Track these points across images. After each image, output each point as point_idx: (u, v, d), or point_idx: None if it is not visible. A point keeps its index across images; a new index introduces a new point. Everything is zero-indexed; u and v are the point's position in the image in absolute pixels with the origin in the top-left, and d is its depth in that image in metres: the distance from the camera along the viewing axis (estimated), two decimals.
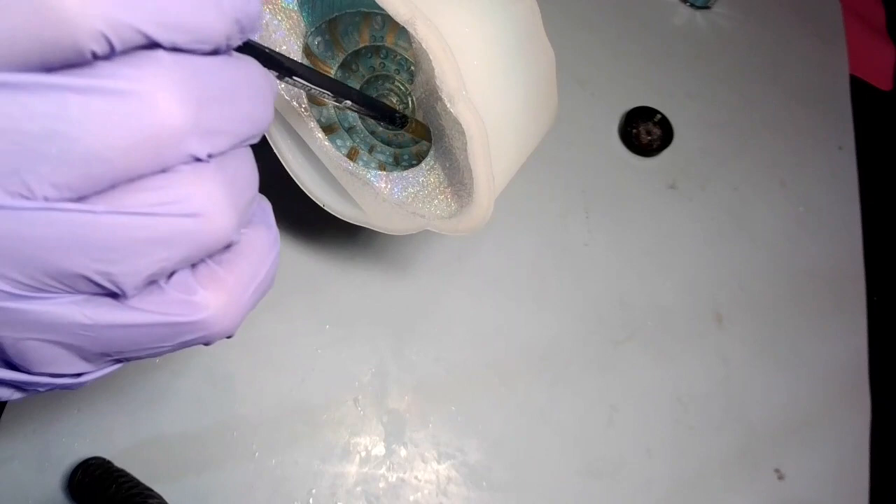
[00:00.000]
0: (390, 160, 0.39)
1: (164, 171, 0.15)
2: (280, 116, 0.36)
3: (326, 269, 0.46)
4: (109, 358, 0.18)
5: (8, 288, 0.14)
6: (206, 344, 0.18)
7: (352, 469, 0.40)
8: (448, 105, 0.27)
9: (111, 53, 0.14)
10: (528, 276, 0.48)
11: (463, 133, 0.28)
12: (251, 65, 0.17)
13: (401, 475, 0.41)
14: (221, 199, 0.16)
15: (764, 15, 0.63)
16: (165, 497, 0.35)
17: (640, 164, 0.53)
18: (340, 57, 0.36)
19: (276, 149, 0.37)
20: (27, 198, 0.14)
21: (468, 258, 0.47)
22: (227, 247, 0.18)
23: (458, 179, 0.32)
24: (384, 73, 0.36)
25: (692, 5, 0.62)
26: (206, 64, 0.15)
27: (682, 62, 0.59)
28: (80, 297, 0.16)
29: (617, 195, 0.52)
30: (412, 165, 0.36)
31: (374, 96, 0.36)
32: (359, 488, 0.40)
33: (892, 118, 0.62)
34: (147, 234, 0.15)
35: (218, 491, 0.39)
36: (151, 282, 0.16)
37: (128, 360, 0.18)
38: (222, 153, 0.16)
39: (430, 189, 0.34)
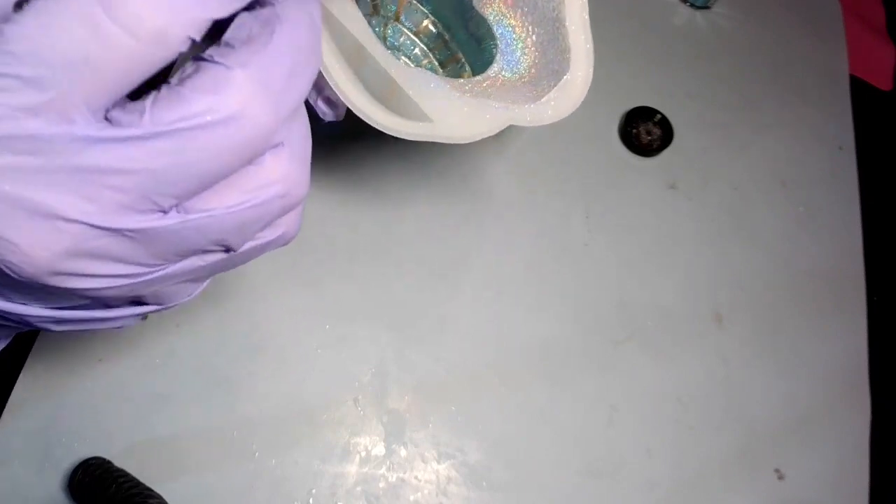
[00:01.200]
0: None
1: (253, 163, 0.18)
2: (327, 33, 0.32)
3: (327, 268, 0.46)
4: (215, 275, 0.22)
5: (160, 263, 0.18)
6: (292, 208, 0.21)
7: (352, 469, 0.40)
8: None
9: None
10: (528, 276, 0.48)
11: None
12: (293, 13, 0.18)
13: (401, 475, 0.41)
14: (300, 174, 0.20)
15: (764, 15, 0.63)
16: (165, 497, 0.35)
17: (640, 164, 0.53)
18: None
19: (330, 76, 0.32)
20: (161, 211, 0.17)
21: (468, 257, 0.47)
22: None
23: (546, 58, 0.28)
24: None
25: (692, 5, 0.62)
26: (265, 50, 0.17)
27: (682, 62, 0.59)
28: (204, 255, 0.20)
29: (617, 195, 0.52)
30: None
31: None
32: (359, 488, 0.40)
33: (893, 118, 0.62)
34: (251, 218, 0.19)
35: (218, 491, 0.39)
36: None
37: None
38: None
39: (513, 72, 0.30)
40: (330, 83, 0.32)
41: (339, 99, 0.32)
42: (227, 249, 0.20)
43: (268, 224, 0.20)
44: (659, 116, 0.54)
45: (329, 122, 0.33)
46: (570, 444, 0.43)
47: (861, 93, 0.61)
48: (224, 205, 0.18)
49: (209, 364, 0.42)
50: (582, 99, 0.27)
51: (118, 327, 0.23)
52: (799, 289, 0.51)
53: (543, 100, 0.28)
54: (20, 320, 0.21)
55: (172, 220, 0.17)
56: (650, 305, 0.48)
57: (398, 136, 0.32)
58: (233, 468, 0.39)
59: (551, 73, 0.28)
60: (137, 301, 0.22)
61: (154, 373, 0.41)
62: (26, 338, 0.41)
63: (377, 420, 0.42)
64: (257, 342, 0.43)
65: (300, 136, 0.20)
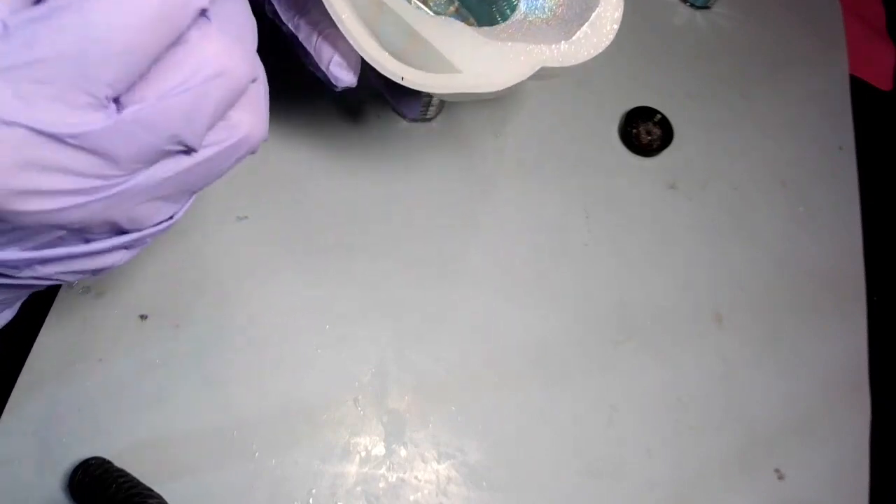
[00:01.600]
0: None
1: (179, 43, 0.18)
2: None
3: (327, 269, 0.46)
4: (190, 193, 0.23)
5: (117, 173, 0.19)
6: (253, 152, 0.23)
7: (352, 469, 0.40)
8: None
9: None
10: (528, 276, 0.48)
11: None
12: None
13: (401, 475, 0.41)
14: (234, 52, 0.19)
15: (764, 15, 0.63)
16: (165, 497, 0.35)
17: (640, 164, 0.53)
18: None
19: (348, 33, 0.31)
20: (96, 105, 0.17)
21: (468, 257, 0.47)
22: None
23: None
24: None
25: (692, 5, 0.62)
26: None
27: (682, 62, 0.59)
28: (164, 161, 0.20)
29: (617, 195, 0.52)
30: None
31: None
32: (359, 488, 0.40)
33: (893, 118, 0.62)
34: (192, 103, 0.18)
35: (218, 491, 0.39)
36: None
37: (201, 188, 0.23)
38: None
39: (540, 13, 0.28)
40: (345, 35, 0.30)
41: (352, 61, 0.31)
42: (187, 150, 0.20)
43: (219, 116, 0.20)
44: (659, 116, 0.54)
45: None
46: (570, 444, 0.43)
47: (861, 93, 0.61)
48: (158, 92, 0.18)
49: (209, 364, 0.42)
50: (614, 34, 0.26)
51: (109, 265, 0.23)
52: (799, 289, 0.51)
53: (574, 38, 0.27)
54: (4, 271, 0.21)
55: (111, 118, 0.17)
56: (650, 305, 0.48)
57: (424, 90, 0.30)
58: (233, 468, 0.39)
59: (580, 11, 0.27)
60: (116, 230, 0.21)
61: (154, 373, 0.41)
62: (26, 338, 0.41)
63: (377, 420, 0.42)
64: (257, 342, 0.43)
65: (233, 11, 0.20)
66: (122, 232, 0.22)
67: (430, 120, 0.52)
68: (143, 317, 0.43)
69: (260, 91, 0.22)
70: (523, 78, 0.28)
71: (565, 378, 0.45)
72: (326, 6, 0.31)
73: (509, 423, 0.43)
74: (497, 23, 0.32)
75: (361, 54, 0.31)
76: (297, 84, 0.52)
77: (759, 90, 0.59)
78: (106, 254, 0.22)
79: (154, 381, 0.41)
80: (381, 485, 0.40)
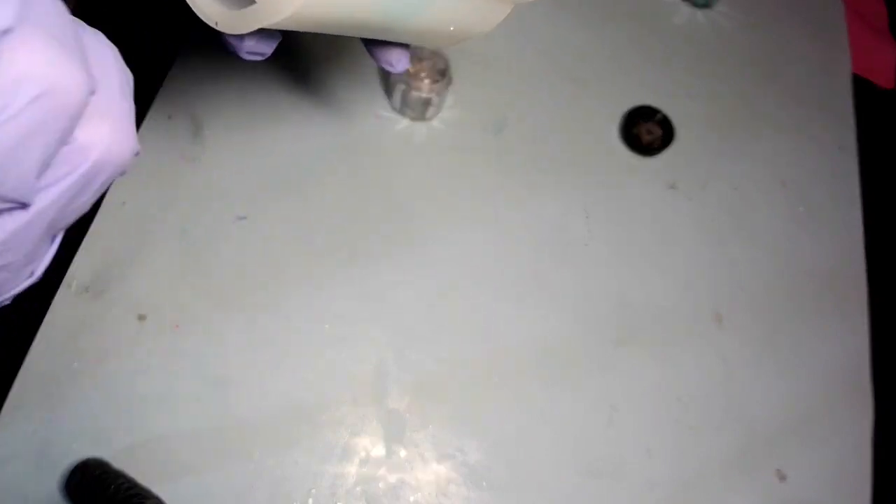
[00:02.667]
0: None
1: None
2: None
3: (327, 269, 0.46)
4: (48, 240, 0.18)
5: None
6: (122, 173, 0.18)
7: (352, 469, 0.40)
8: None
9: None
10: (528, 276, 0.47)
11: None
12: None
13: (401, 475, 0.41)
14: (57, 60, 0.14)
15: (765, 14, 0.63)
16: (164, 498, 0.35)
17: (641, 164, 0.53)
18: None
19: None
20: None
21: (468, 258, 0.47)
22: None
23: None
24: None
25: (693, 4, 0.62)
26: None
27: (683, 61, 0.59)
28: None
29: (617, 195, 0.52)
30: None
31: None
32: (359, 488, 0.40)
33: (894, 116, 0.62)
34: (10, 144, 0.14)
35: (217, 491, 0.39)
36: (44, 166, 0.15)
37: (67, 224, 0.18)
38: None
39: None
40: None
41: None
42: (21, 204, 0.15)
43: (53, 148, 0.15)
44: (660, 116, 0.53)
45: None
46: (570, 444, 0.43)
47: (863, 91, 0.61)
48: None
49: (208, 364, 0.42)
50: None
51: None
52: (799, 289, 0.51)
53: None
54: None
55: None
56: (650, 305, 0.48)
57: (233, 31, 0.26)
58: (233, 468, 0.39)
59: None
60: None
61: (153, 373, 0.41)
62: (24, 338, 0.41)
63: (377, 420, 0.42)
64: (257, 342, 0.43)
65: (46, 12, 0.15)
66: None
67: (430, 120, 0.52)
68: (141, 317, 0.42)
69: (112, 97, 0.17)
70: (501, 19, 0.28)
71: (565, 378, 0.45)
72: None
73: (509, 423, 0.43)
74: None
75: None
76: (296, 84, 0.52)
77: (761, 89, 0.59)
78: None
79: (153, 382, 0.41)
80: (381, 485, 0.40)
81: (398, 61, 0.32)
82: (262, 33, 0.27)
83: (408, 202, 0.49)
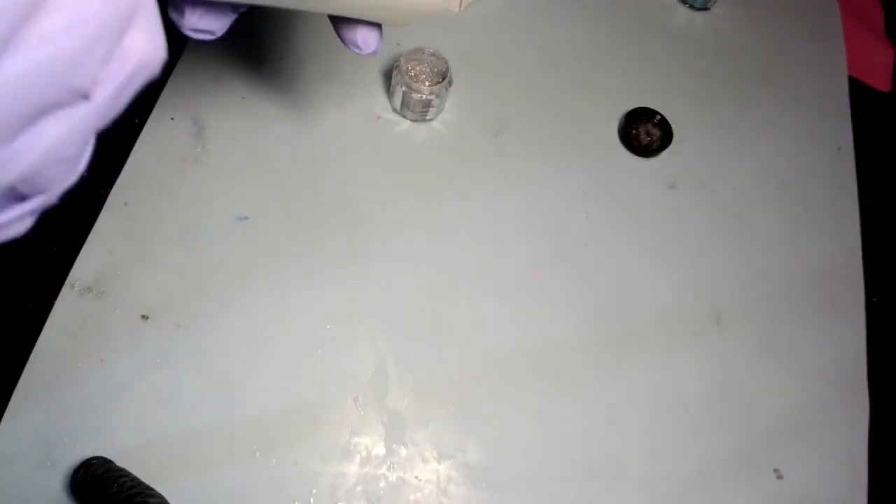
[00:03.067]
0: None
1: None
2: None
3: (326, 269, 0.46)
4: (90, 140, 0.20)
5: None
6: (154, 77, 0.20)
7: (352, 469, 0.40)
8: None
9: None
10: (528, 276, 0.48)
11: None
12: None
13: (401, 475, 0.41)
14: None
15: (763, 16, 0.63)
16: (167, 496, 0.35)
17: (640, 164, 0.54)
18: None
19: None
20: None
21: (469, 258, 0.48)
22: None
23: None
24: None
25: (691, 6, 0.62)
26: None
27: (681, 63, 0.59)
28: (58, 113, 0.17)
29: (617, 195, 0.52)
30: None
31: None
32: (359, 488, 0.40)
33: (891, 119, 0.62)
34: (80, 44, 0.16)
35: (218, 490, 0.39)
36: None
37: (107, 124, 0.20)
38: None
39: None
40: None
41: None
42: (84, 97, 0.17)
43: (111, 49, 0.17)
44: (659, 117, 0.54)
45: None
46: (570, 444, 0.43)
47: (860, 94, 0.61)
48: (38, 39, 0.15)
49: (209, 364, 0.42)
50: None
51: (13, 236, 0.21)
52: (798, 289, 0.51)
53: None
54: None
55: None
56: (650, 305, 0.48)
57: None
58: (233, 468, 0.39)
59: None
60: (16, 195, 0.19)
61: (154, 373, 0.41)
62: (27, 338, 0.41)
63: (377, 420, 0.42)
64: (257, 342, 0.43)
65: None
66: (25, 197, 0.19)
67: (430, 121, 0.52)
68: (144, 317, 0.43)
69: (149, 6, 0.19)
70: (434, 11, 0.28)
71: (565, 378, 0.45)
72: None
73: (509, 423, 0.43)
74: None
75: None
76: (298, 85, 0.53)
77: (759, 91, 0.59)
78: (8, 222, 0.20)
79: (155, 381, 0.41)
80: (382, 484, 0.40)
81: (364, 42, 0.31)
82: (206, 8, 0.27)
83: (408, 203, 0.49)
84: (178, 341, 0.42)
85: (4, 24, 0.14)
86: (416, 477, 0.41)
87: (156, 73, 0.20)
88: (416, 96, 0.49)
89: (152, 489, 0.35)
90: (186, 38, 0.27)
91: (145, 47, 0.19)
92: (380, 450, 0.41)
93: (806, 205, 0.54)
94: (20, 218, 0.20)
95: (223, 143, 0.49)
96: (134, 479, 0.36)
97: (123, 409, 0.40)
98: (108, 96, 0.18)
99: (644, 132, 0.53)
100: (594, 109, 0.55)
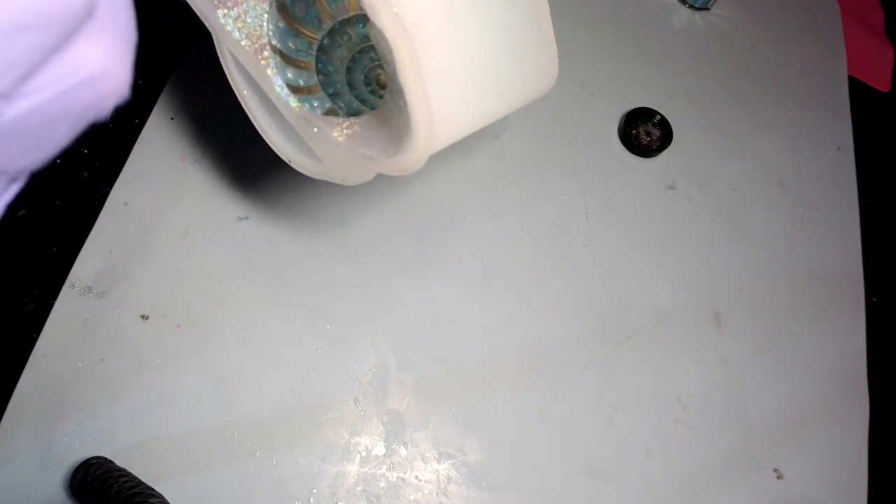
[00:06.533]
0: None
1: None
2: (246, 73, 0.35)
3: (326, 269, 0.46)
4: (9, 178, 0.16)
5: None
6: (116, 105, 0.16)
7: (352, 469, 0.40)
8: (373, 19, 0.25)
9: None
10: (528, 276, 0.48)
11: (392, 53, 0.25)
12: None
13: (401, 475, 0.41)
14: None
15: (763, 16, 0.63)
16: (167, 496, 0.35)
17: (640, 164, 0.54)
18: (328, 24, 0.35)
19: (246, 107, 0.36)
20: None
21: (469, 258, 0.48)
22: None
23: (403, 116, 0.29)
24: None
25: (691, 7, 0.62)
26: None
27: (681, 63, 0.59)
28: None
29: (617, 195, 0.52)
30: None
31: (367, 66, 0.36)
32: (359, 488, 0.40)
33: (891, 119, 0.62)
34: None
35: (219, 490, 0.39)
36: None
37: (35, 163, 0.16)
38: None
39: (380, 130, 0.32)
40: (246, 110, 0.35)
41: None
42: None
43: (39, 56, 0.13)
44: (658, 117, 0.54)
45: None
46: (569, 444, 0.43)
47: (860, 94, 0.61)
48: None
49: (209, 364, 0.42)
50: (423, 154, 0.30)
51: None
52: (798, 289, 0.51)
53: (397, 157, 0.31)
54: None
55: None
56: (650, 305, 0.48)
57: (303, 171, 0.34)
58: (233, 468, 0.39)
59: (406, 130, 0.30)
60: None
61: (154, 373, 0.41)
62: (27, 338, 0.41)
63: (377, 420, 0.42)
64: (257, 342, 0.43)
65: None
66: None
67: None
68: (144, 317, 0.43)
69: (118, 19, 0.15)
70: (367, 179, 0.32)
71: (565, 378, 0.45)
72: (230, 80, 0.35)
73: (509, 423, 0.43)
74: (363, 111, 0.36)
75: (259, 130, 0.35)
76: None
77: (758, 91, 0.59)
78: None
79: (155, 381, 0.41)
80: (382, 484, 0.40)
81: None
82: None
83: (408, 203, 0.49)
84: (178, 341, 0.42)
85: None
86: (416, 477, 0.41)
87: (119, 97, 0.15)
88: None
89: (152, 489, 0.35)
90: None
91: (99, 61, 0.14)
92: (380, 450, 0.41)
93: (806, 204, 0.54)
94: None
95: (223, 143, 0.49)
96: (134, 479, 0.36)
97: (123, 409, 0.40)
98: (22, 114, 0.14)
99: (644, 132, 0.54)
100: (594, 109, 0.55)
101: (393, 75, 0.29)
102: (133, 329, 0.42)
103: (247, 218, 0.47)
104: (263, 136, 0.36)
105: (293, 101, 0.35)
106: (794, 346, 0.49)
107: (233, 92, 0.51)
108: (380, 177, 0.50)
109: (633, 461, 0.43)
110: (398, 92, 0.29)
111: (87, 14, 0.14)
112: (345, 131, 0.33)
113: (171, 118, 0.49)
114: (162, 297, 0.43)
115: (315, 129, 0.33)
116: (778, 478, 0.44)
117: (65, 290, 0.43)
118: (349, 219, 0.48)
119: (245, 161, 0.49)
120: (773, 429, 0.46)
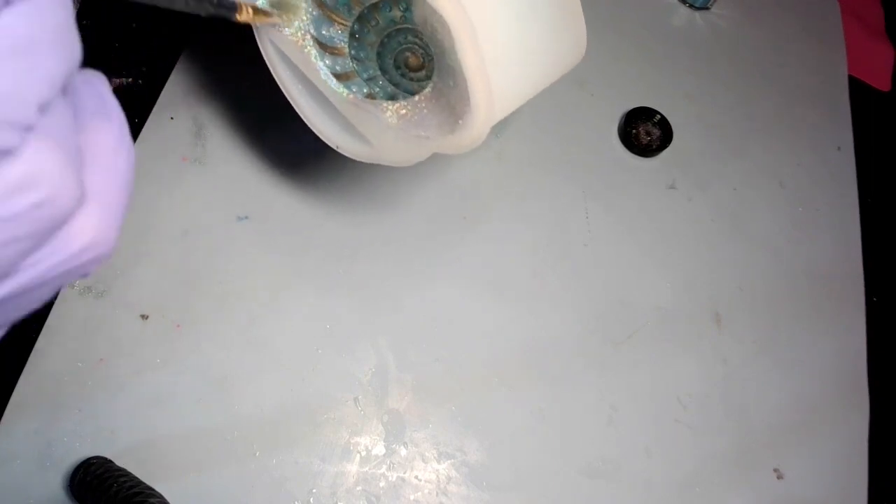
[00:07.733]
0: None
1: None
2: (292, 65, 0.35)
3: (327, 268, 0.46)
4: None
5: None
6: (95, 264, 0.16)
7: (352, 468, 0.40)
8: (429, 1, 0.25)
9: None
10: (528, 276, 0.48)
11: (450, 32, 0.26)
12: None
13: (401, 475, 0.41)
14: (59, 166, 0.14)
15: (763, 16, 0.63)
16: (166, 496, 0.35)
17: (640, 164, 0.54)
18: (357, 9, 0.35)
19: (291, 98, 0.36)
20: None
21: (468, 258, 0.48)
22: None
23: (458, 94, 0.30)
24: (406, 25, 0.35)
25: (691, 6, 0.62)
26: None
27: (681, 63, 0.59)
28: None
29: (617, 195, 0.52)
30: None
31: (395, 50, 0.35)
32: (359, 488, 0.40)
33: (891, 118, 0.62)
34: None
35: (219, 490, 0.39)
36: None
37: (17, 317, 0.17)
38: None
39: (433, 110, 0.32)
40: (292, 103, 0.35)
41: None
42: None
43: (38, 239, 0.14)
44: (658, 117, 0.54)
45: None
46: (570, 444, 0.43)
47: (860, 93, 0.61)
48: None
49: (209, 364, 0.42)
50: (485, 129, 0.30)
51: None
52: (798, 289, 0.51)
53: (455, 132, 0.31)
54: None
55: None
56: (650, 305, 0.48)
57: (351, 156, 0.35)
58: (233, 468, 0.39)
59: (463, 108, 0.30)
60: None
61: (154, 373, 0.41)
62: (27, 338, 0.41)
63: (377, 420, 0.42)
64: (257, 342, 0.43)
65: (63, 125, 0.15)
66: None
67: None
68: (144, 317, 0.43)
69: (105, 179, 0.16)
70: (421, 159, 0.33)
71: (565, 378, 0.45)
72: (276, 79, 0.35)
73: (509, 423, 0.43)
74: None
75: (306, 121, 0.36)
76: None
77: (758, 91, 0.59)
78: None
79: (155, 381, 0.41)
80: (382, 484, 0.40)
81: None
82: None
83: (408, 202, 0.49)
84: (178, 341, 0.42)
85: None
86: (416, 477, 0.41)
87: (105, 259, 0.16)
88: None
89: (152, 489, 0.35)
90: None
91: (92, 231, 0.15)
92: (380, 449, 0.41)
93: (806, 204, 0.54)
94: None
95: (223, 142, 0.49)
96: (134, 479, 0.36)
97: (123, 409, 0.40)
98: (14, 290, 0.15)
99: (644, 132, 0.53)
100: (594, 109, 0.55)
101: (442, 55, 0.29)
102: (133, 329, 0.42)
103: (247, 218, 0.47)
104: (309, 124, 0.36)
105: (340, 88, 0.34)
106: (794, 346, 0.49)
107: (233, 91, 0.51)
108: (380, 177, 0.51)
109: (633, 461, 0.43)
110: (448, 71, 0.29)
111: (78, 204, 0.15)
112: (397, 113, 0.33)
113: (171, 118, 0.49)
114: (162, 297, 0.43)
115: (366, 113, 0.33)
116: (778, 478, 0.44)
117: (65, 290, 0.43)
118: (349, 219, 0.48)
119: (245, 161, 0.49)
120: (773, 429, 0.46)
